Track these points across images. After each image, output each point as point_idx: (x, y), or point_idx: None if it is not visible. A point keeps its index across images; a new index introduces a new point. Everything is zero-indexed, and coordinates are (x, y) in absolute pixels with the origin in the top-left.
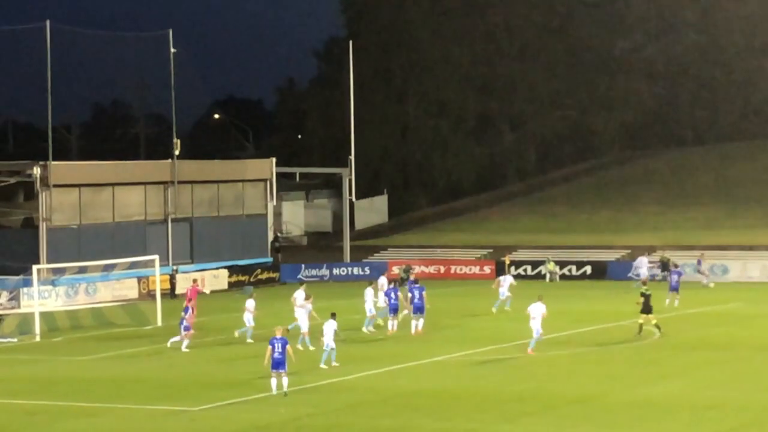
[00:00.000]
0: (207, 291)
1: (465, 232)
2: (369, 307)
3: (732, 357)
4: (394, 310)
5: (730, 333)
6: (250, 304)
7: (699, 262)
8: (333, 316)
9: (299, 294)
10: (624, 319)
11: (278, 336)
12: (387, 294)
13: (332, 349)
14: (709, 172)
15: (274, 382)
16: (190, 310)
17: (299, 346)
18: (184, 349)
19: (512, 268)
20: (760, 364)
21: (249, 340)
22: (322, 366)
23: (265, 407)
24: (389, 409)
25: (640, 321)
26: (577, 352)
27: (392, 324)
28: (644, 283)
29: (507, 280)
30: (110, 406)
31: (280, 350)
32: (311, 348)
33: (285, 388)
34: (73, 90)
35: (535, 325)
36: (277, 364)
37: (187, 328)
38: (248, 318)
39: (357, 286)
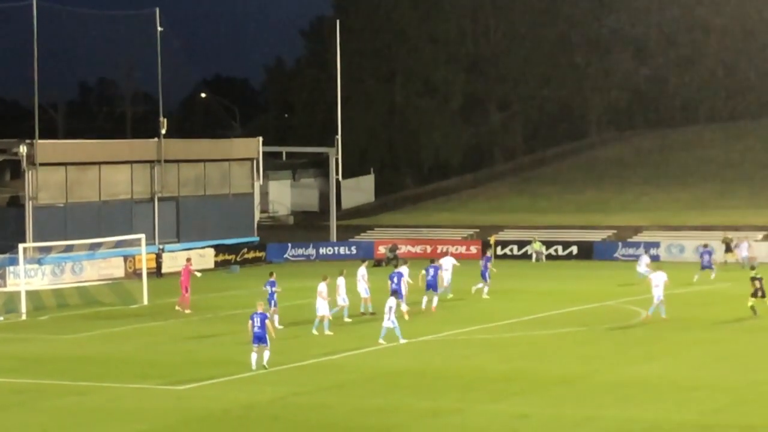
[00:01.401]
0: (198, 274)
1: (452, 212)
2: (363, 288)
3: (718, 337)
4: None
5: (715, 313)
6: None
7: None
8: (393, 294)
9: (323, 287)
10: (609, 299)
11: (259, 311)
12: (390, 278)
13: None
14: (696, 153)
15: (254, 356)
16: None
17: (315, 331)
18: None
19: (498, 248)
20: (745, 344)
21: (346, 319)
22: (381, 341)
23: (252, 386)
24: (376, 388)
25: (750, 304)
26: (563, 332)
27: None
28: (752, 268)
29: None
30: (97, 385)
31: (259, 325)
32: (328, 333)
33: (265, 362)
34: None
35: (657, 292)
36: (258, 339)
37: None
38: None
39: (343, 265)
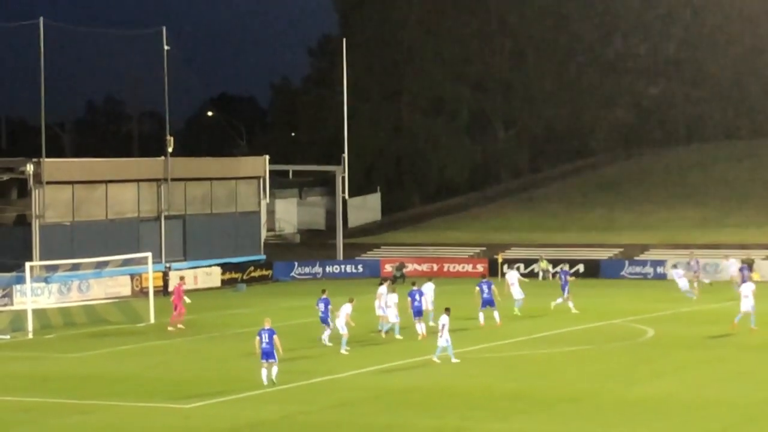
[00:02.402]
0: (187, 300)
1: (458, 230)
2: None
3: (725, 356)
4: (418, 312)
5: (723, 332)
6: (346, 308)
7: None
8: (446, 311)
9: (383, 289)
10: (616, 318)
11: (266, 327)
12: (411, 296)
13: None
14: (703, 171)
15: (264, 372)
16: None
17: (383, 334)
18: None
19: (505, 266)
20: (753, 362)
21: (398, 336)
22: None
23: (259, 404)
24: (382, 406)
25: None
26: (569, 351)
27: (420, 327)
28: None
29: (513, 277)
30: (103, 403)
31: (267, 341)
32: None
33: (274, 377)
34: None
35: (747, 303)
36: (266, 355)
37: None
38: (392, 313)
39: (349, 283)
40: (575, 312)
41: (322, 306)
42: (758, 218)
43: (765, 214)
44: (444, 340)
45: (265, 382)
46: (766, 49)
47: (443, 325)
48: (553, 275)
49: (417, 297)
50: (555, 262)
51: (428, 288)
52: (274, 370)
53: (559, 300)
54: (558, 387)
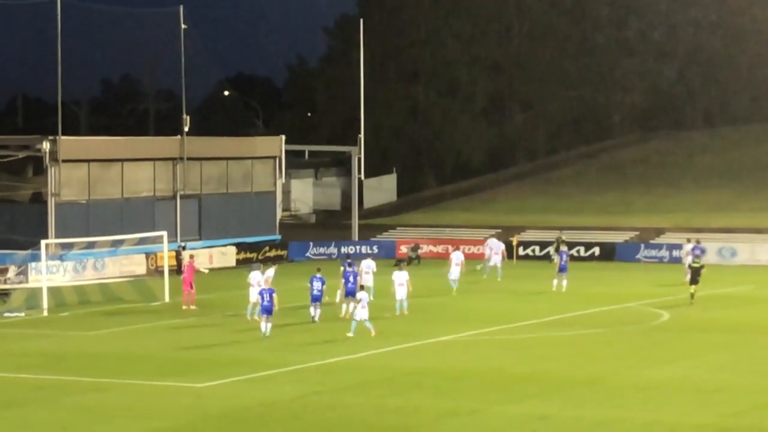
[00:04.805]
0: (205, 270)
1: (473, 212)
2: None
3: (739, 340)
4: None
5: (737, 316)
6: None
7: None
8: (362, 288)
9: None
10: (631, 301)
11: (266, 287)
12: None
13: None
14: (719, 155)
15: (263, 325)
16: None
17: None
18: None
19: (520, 249)
20: (767, 347)
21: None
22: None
23: (271, 385)
24: (395, 388)
25: None
26: (583, 334)
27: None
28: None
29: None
30: (117, 382)
31: (268, 299)
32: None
33: (268, 331)
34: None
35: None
36: (266, 310)
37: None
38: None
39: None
40: (558, 291)
41: (318, 284)
42: None
43: None
44: (362, 313)
45: (267, 333)
46: None
47: (362, 300)
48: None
49: (351, 279)
50: (570, 245)
51: (368, 265)
52: (269, 325)
53: (557, 281)
54: (571, 370)
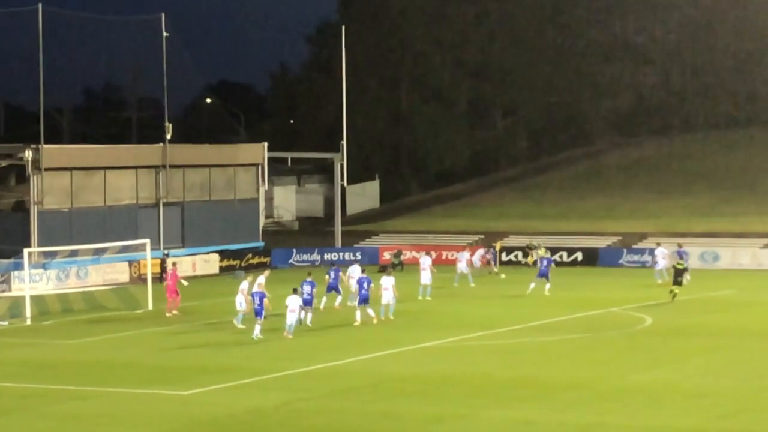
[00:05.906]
0: (185, 283)
1: (456, 218)
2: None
3: (723, 344)
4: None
5: (720, 320)
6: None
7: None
8: (294, 291)
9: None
10: (614, 306)
11: (258, 290)
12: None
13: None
14: (701, 160)
15: (257, 327)
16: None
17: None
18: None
19: (503, 254)
20: (751, 351)
21: (239, 325)
22: None
23: (257, 391)
24: (381, 394)
25: None
26: (568, 339)
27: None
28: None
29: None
30: (101, 390)
31: (258, 302)
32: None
33: (259, 334)
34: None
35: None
36: (257, 313)
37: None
38: (388, 295)
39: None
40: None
41: (308, 288)
42: (757, 207)
43: (763, 203)
44: (294, 316)
45: (260, 336)
46: (766, 39)
47: (296, 303)
48: (535, 262)
49: (365, 285)
50: (553, 251)
51: (355, 270)
52: (258, 327)
53: (533, 285)
54: (557, 375)
